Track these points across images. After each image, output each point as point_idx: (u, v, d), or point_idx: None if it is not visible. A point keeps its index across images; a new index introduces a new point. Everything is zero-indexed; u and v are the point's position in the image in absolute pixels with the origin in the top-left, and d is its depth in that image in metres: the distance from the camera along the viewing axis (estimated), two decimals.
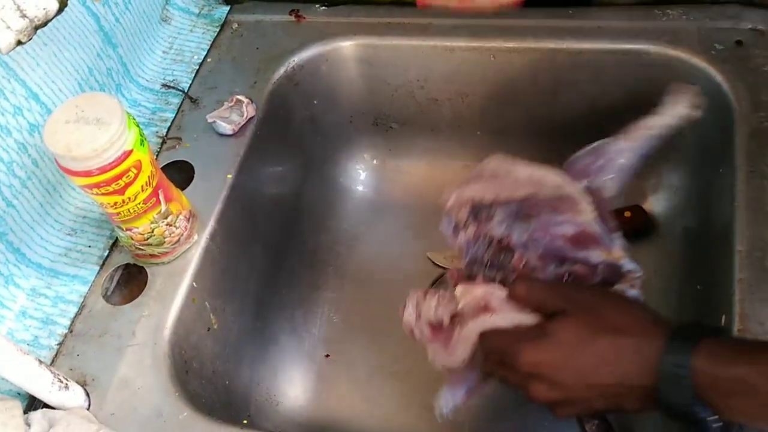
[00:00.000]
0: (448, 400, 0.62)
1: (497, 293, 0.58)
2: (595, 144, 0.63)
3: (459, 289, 0.60)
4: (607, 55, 0.78)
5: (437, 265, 0.87)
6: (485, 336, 0.57)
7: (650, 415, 0.71)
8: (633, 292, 0.57)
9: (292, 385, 0.81)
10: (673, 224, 0.81)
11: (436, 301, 0.61)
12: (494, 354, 0.56)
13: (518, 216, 0.62)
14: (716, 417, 0.47)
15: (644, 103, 0.79)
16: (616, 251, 0.58)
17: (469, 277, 0.64)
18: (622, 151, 0.62)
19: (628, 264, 0.58)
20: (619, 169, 0.62)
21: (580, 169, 0.61)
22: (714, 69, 0.73)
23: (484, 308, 0.58)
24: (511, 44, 0.80)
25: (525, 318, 0.56)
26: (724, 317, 0.62)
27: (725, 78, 0.72)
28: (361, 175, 0.96)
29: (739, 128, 0.69)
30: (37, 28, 0.48)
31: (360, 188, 0.95)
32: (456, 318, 0.60)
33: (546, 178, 0.60)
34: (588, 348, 0.51)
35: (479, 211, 0.63)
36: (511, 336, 0.55)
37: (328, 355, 0.83)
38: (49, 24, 0.52)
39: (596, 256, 0.59)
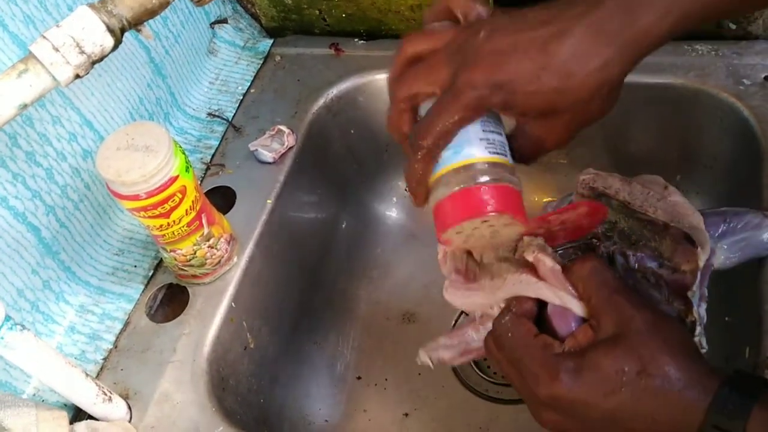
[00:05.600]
0: (437, 351, 0.57)
1: (548, 263, 0.50)
2: (730, 208, 0.60)
3: (526, 239, 0.52)
4: (637, 89, 0.78)
5: None
6: (507, 326, 0.49)
7: None
8: None
9: (324, 405, 0.82)
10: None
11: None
12: (511, 359, 0.48)
13: (624, 234, 0.58)
14: None
15: (673, 137, 0.81)
16: (693, 314, 0.54)
17: None
18: (760, 227, 0.59)
19: (698, 329, 0.53)
20: (744, 243, 0.59)
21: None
22: (742, 104, 0.73)
23: (532, 270, 0.51)
24: None
25: (573, 303, 0.49)
26: (748, 349, 0.62)
27: (753, 113, 0.72)
28: (395, 201, 0.97)
29: (766, 164, 0.69)
30: (94, 63, 0.51)
31: (394, 214, 0.97)
32: (491, 266, 0.53)
33: (690, 213, 0.56)
34: (628, 392, 0.44)
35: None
36: (540, 351, 0.47)
37: (359, 378, 0.85)
38: None
39: (671, 307, 0.54)
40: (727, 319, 0.71)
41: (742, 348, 0.64)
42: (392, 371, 0.84)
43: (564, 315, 0.50)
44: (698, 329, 0.54)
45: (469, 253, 0.56)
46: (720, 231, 0.59)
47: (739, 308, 0.68)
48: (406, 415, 0.81)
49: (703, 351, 0.53)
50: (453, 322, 0.86)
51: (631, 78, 0.77)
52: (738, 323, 0.68)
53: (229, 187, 0.80)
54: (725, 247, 0.59)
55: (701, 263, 0.55)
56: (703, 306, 0.55)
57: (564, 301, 0.49)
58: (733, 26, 0.77)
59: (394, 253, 0.94)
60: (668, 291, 0.55)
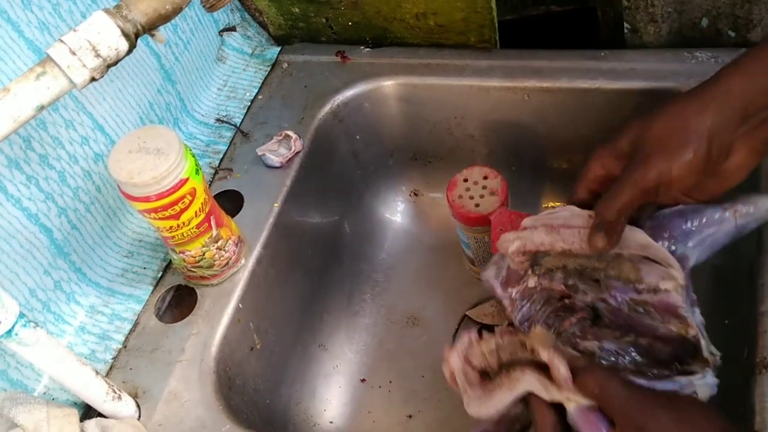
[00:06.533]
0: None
1: (562, 370, 0.50)
2: (688, 206, 0.58)
3: (538, 328, 0.55)
4: (639, 95, 0.79)
5: (479, 323, 0.86)
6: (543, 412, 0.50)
7: None
8: (707, 378, 0.52)
9: (329, 407, 0.83)
10: (702, 263, 0.82)
11: (493, 346, 0.55)
12: None
13: (584, 274, 0.58)
14: None
15: None
16: (693, 327, 0.54)
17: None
18: (721, 222, 0.57)
19: (703, 342, 0.53)
20: (711, 240, 0.57)
21: (663, 228, 0.57)
22: None
23: (547, 372, 0.51)
24: (545, 84, 0.82)
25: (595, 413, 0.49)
26: (746, 350, 0.63)
27: None
28: (399, 206, 0.98)
29: (765, 168, 0.70)
30: (109, 66, 0.53)
31: (398, 219, 0.98)
32: (503, 368, 0.54)
33: (630, 235, 0.55)
34: None
35: (537, 264, 0.60)
36: None
37: (364, 380, 0.85)
38: None
39: (670, 328, 0.54)
40: (726, 322, 0.72)
41: (741, 349, 0.65)
42: (396, 373, 0.85)
43: (590, 421, 0.49)
44: (703, 342, 0.54)
45: (480, 372, 0.56)
46: (683, 230, 0.57)
47: (737, 310, 0.69)
48: (410, 416, 0.82)
49: (715, 358, 0.53)
50: (456, 327, 0.87)
51: (633, 84, 0.80)
52: (736, 325, 0.69)
53: (237, 191, 0.81)
54: (692, 246, 0.57)
55: (681, 281, 0.54)
56: (697, 311, 0.55)
57: (583, 407, 0.49)
58: (732, 34, 0.78)
59: (399, 257, 0.95)
60: (658, 314, 0.55)
